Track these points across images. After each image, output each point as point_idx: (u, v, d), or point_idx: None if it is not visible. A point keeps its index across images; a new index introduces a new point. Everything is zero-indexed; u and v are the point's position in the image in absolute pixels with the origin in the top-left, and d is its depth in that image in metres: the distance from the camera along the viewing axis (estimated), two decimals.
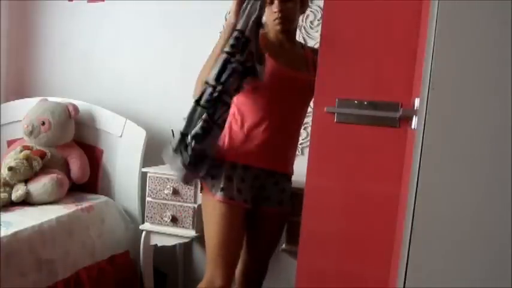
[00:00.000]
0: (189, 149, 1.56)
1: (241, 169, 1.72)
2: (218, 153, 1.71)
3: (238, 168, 1.72)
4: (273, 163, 1.78)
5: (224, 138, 1.74)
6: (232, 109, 1.73)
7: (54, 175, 2.37)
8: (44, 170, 2.41)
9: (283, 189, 1.84)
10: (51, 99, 2.66)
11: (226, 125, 1.72)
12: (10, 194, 2.28)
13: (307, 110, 1.89)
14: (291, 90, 1.75)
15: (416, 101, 1.20)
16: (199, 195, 2.24)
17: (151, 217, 2.31)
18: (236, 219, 1.70)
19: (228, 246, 1.70)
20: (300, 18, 2.33)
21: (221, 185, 1.69)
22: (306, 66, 1.82)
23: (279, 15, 1.73)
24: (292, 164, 1.90)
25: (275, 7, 1.72)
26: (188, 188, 2.24)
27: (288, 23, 1.77)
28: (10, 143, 2.73)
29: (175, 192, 2.26)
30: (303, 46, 1.95)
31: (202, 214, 1.80)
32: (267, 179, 1.79)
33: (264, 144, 1.72)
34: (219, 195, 1.69)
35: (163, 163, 2.50)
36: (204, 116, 1.55)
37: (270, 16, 1.75)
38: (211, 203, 1.71)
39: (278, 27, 1.76)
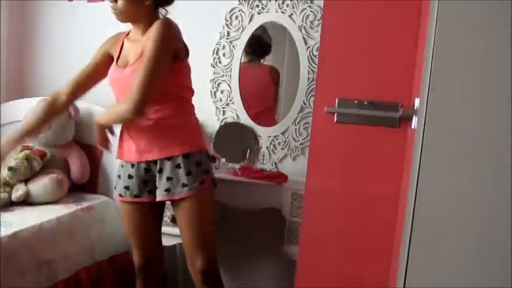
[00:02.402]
0: None
1: (126, 166, 1.84)
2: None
3: (124, 165, 1.86)
4: (142, 155, 1.79)
5: None
6: None
7: (54, 175, 2.37)
8: (44, 170, 2.40)
9: (168, 177, 1.76)
10: None
11: None
12: (10, 194, 2.28)
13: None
14: (120, 88, 1.78)
15: (416, 101, 1.20)
16: None
17: None
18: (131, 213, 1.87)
19: (132, 234, 1.89)
20: (300, 18, 2.35)
21: (115, 184, 1.89)
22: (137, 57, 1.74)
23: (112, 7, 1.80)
24: (181, 144, 1.76)
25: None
26: None
27: (122, 15, 1.79)
28: None
29: None
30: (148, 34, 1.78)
31: None
32: (150, 170, 1.81)
33: (127, 140, 1.83)
34: (115, 193, 1.90)
35: None
36: None
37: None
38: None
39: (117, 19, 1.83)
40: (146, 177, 1.80)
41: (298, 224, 2.08)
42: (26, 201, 2.29)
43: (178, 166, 1.75)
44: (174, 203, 1.81)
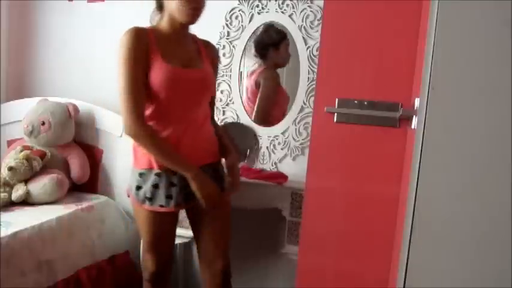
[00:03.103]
0: None
1: (167, 175, 1.67)
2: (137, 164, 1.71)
3: (164, 174, 1.67)
4: (196, 161, 1.69)
5: (135, 148, 1.72)
6: None
7: (54, 175, 2.37)
8: (44, 170, 2.40)
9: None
10: (51, 99, 2.66)
11: None
12: (10, 194, 2.28)
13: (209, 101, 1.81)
14: (190, 90, 1.68)
15: (416, 101, 1.20)
16: None
17: None
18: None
19: (157, 242, 1.78)
20: (300, 18, 2.35)
21: (147, 195, 1.67)
22: (202, 61, 1.75)
23: (195, 5, 1.62)
24: (214, 154, 1.79)
25: None
26: None
27: (200, 13, 1.66)
28: (10, 143, 2.73)
29: None
30: (194, 38, 1.82)
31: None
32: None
33: (175, 147, 1.67)
34: (148, 204, 1.68)
35: None
36: None
37: (178, 4, 1.61)
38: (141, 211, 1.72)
39: (189, 19, 1.64)
40: (186, 184, 1.69)
41: (298, 224, 2.08)
42: (26, 201, 2.29)
43: (216, 171, 1.74)
44: (195, 205, 1.75)
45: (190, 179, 1.62)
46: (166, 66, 1.62)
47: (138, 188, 1.69)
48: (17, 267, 1.85)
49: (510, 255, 1.04)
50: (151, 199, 1.67)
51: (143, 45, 1.63)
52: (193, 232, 1.87)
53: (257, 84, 2.47)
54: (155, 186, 1.67)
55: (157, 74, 1.61)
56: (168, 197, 1.67)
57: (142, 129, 1.60)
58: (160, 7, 1.73)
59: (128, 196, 1.77)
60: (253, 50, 2.46)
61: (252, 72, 2.49)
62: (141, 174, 1.69)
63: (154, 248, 1.77)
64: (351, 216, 1.40)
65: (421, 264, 1.11)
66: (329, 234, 1.43)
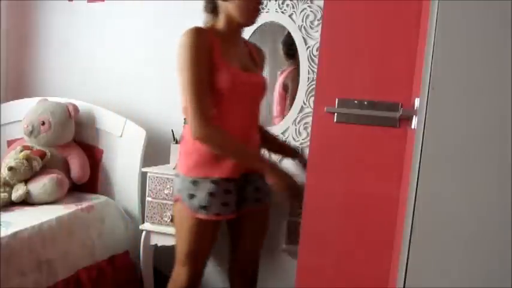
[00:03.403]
0: None
1: (224, 182, 1.64)
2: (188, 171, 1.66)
3: (220, 181, 1.63)
4: (242, 167, 1.68)
5: (187, 155, 1.67)
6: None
7: (54, 175, 2.37)
8: (44, 170, 2.40)
9: (258, 188, 1.77)
10: (51, 99, 2.66)
11: (185, 141, 1.70)
12: (10, 194, 2.28)
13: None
14: (249, 94, 1.68)
15: (416, 101, 1.20)
16: None
17: (151, 217, 2.31)
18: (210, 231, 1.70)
19: (203, 252, 1.73)
20: (300, 18, 2.35)
21: (202, 203, 1.62)
22: (255, 66, 1.78)
23: (256, 4, 1.62)
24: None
25: None
26: None
27: (260, 14, 1.65)
28: (10, 143, 2.73)
29: None
30: (245, 41, 1.85)
31: (175, 224, 1.74)
32: (244, 182, 1.73)
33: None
34: (202, 213, 1.63)
35: (163, 163, 2.51)
36: None
37: (240, 4, 1.59)
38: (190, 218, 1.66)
39: (251, 20, 1.63)
40: (240, 190, 1.70)
41: (298, 223, 2.08)
42: (26, 201, 2.29)
43: (262, 176, 1.70)
44: (248, 211, 1.77)
45: (268, 172, 1.60)
46: (229, 68, 1.59)
47: (191, 196, 1.63)
48: (17, 267, 1.85)
49: (510, 255, 1.04)
50: (205, 207, 1.62)
51: (207, 46, 1.56)
52: (232, 238, 1.88)
53: (284, 86, 2.43)
54: (211, 195, 1.62)
55: (222, 76, 1.57)
56: (224, 204, 1.64)
57: (213, 129, 1.56)
58: (213, 8, 1.68)
59: (176, 201, 1.71)
60: (281, 51, 2.44)
61: (282, 72, 2.47)
62: (194, 182, 1.63)
63: (192, 259, 1.70)
64: (350, 216, 1.40)
65: (421, 264, 1.11)
66: (329, 234, 1.43)
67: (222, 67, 1.58)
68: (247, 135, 1.70)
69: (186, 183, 1.65)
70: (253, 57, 1.80)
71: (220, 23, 1.66)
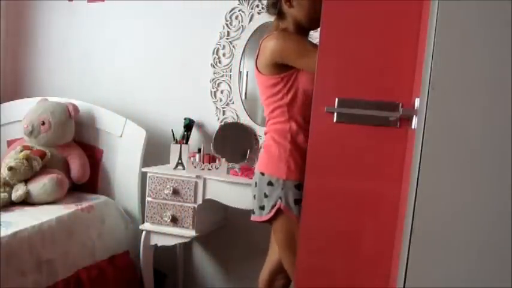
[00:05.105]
0: None
1: None
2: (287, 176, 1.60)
3: None
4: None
5: (285, 157, 1.61)
6: (282, 123, 1.64)
7: (54, 175, 2.37)
8: (44, 170, 2.40)
9: None
10: (51, 99, 2.66)
11: (277, 142, 1.64)
12: (10, 194, 2.28)
13: None
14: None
15: (417, 101, 1.20)
16: (199, 195, 2.25)
17: (151, 217, 2.31)
18: None
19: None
20: None
21: None
22: None
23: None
24: None
25: None
26: (188, 188, 2.24)
27: None
28: (10, 143, 2.73)
29: (175, 192, 2.26)
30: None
31: (280, 236, 1.68)
32: None
33: (302, 157, 1.58)
34: None
35: (163, 163, 2.51)
36: None
37: (307, 9, 1.62)
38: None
39: (319, 24, 1.61)
40: None
41: None
42: (26, 201, 2.29)
43: None
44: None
45: None
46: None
47: (298, 201, 1.58)
48: (17, 267, 1.85)
49: (510, 255, 1.04)
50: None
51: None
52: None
53: None
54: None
55: (304, 77, 1.60)
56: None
57: None
58: (277, 12, 1.70)
59: (280, 210, 1.61)
60: None
61: None
62: (299, 186, 1.58)
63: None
64: (350, 216, 1.40)
65: (421, 264, 1.11)
66: (329, 234, 1.43)
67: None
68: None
69: (289, 188, 1.59)
70: None
71: (290, 27, 1.69)
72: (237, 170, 2.31)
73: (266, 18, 2.40)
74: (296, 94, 1.62)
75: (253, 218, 1.72)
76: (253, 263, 2.09)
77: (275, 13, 1.72)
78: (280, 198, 1.60)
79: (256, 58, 1.70)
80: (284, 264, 1.73)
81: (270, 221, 1.66)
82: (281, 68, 1.62)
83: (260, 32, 2.43)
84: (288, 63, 1.61)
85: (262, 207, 1.66)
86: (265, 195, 1.64)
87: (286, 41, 1.62)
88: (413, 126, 1.23)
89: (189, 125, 2.50)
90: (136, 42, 2.77)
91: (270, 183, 1.63)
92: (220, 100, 2.57)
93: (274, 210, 1.63)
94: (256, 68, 1.70)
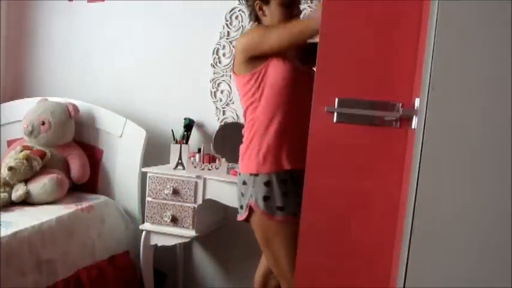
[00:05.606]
0: None
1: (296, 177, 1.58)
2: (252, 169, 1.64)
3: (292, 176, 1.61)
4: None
5: (254, 153, 1.64)
6: (250, 116, 1.68)
7: (54, 175, 2.37)
8: (44, 170, 2.40)
9: None
10: (51, 99, 2.66)
11: (247, 139, 1.68)
12: (10, 194, 2.28)
13: None
14: (302, 84, 1.65)
15: (417, 101, 1.20)
16: (199, 195, 2.25)
17: (151, 217, 2.31)
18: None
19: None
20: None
21: (278, 204, 1.59)
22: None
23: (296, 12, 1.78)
24: None
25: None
26: (188, 188, 2.24)
27: None
28: (10, 143, 2.74)
29: (175, 192, 2.26)
30: None
31: (257, 234, 1.69)
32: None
33: (297, 143, 1.59)
34: (279, 215, 1.59)
35: (163, 163, 2.51)
36: None
37: (286, 17, 1.69)
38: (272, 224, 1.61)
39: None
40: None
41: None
42: (26, 201, 2.29)
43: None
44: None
45: None
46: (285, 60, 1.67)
47: (266, 198, 1.61)
48: (17, 267, 1.85)
49: (510, 255, 1.04)
50: (281, 210, 1.61)
51: None
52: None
53: None
54: (284, 194, 1.61)
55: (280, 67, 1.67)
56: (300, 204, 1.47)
57: None
58: (256, 18, 1.77)
59: (251, 208, 1.63)
60: None
61: None
62: (268, 183, 1.61)
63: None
64: (350, 216, 1.40)
65: (421, 264, 1.11)
66: (328, 234, 1.43)
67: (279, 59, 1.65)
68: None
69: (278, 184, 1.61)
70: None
71: None
72: (237, 170, 2.31)
73: None
74: (264, 89, 1.66)
75: (238, 218, 1.77)
76: (253, 263, 2.09)
77: (254, 20, 1.79)
78: (251, 196, 1.65)
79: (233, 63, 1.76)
80: (267, 262, 1.74)
81: (248, 219, 1.70)
82: (253, 64, 1.66)
83: None
84: (261, 51, 1.64)
85: (241, 207, 1.72)
86: (242, 195, 1.70)
87: (250, 32, 1.73)
88: (413, 126, 1.23)
89: (189, 125, 2.49)
90: (136, 42, 2.77)
91: (244, 183, 1.69)
92: (220, 100, 2.57)
93: (247, 209, 1.67)
94: (233, 71, 1.76)
